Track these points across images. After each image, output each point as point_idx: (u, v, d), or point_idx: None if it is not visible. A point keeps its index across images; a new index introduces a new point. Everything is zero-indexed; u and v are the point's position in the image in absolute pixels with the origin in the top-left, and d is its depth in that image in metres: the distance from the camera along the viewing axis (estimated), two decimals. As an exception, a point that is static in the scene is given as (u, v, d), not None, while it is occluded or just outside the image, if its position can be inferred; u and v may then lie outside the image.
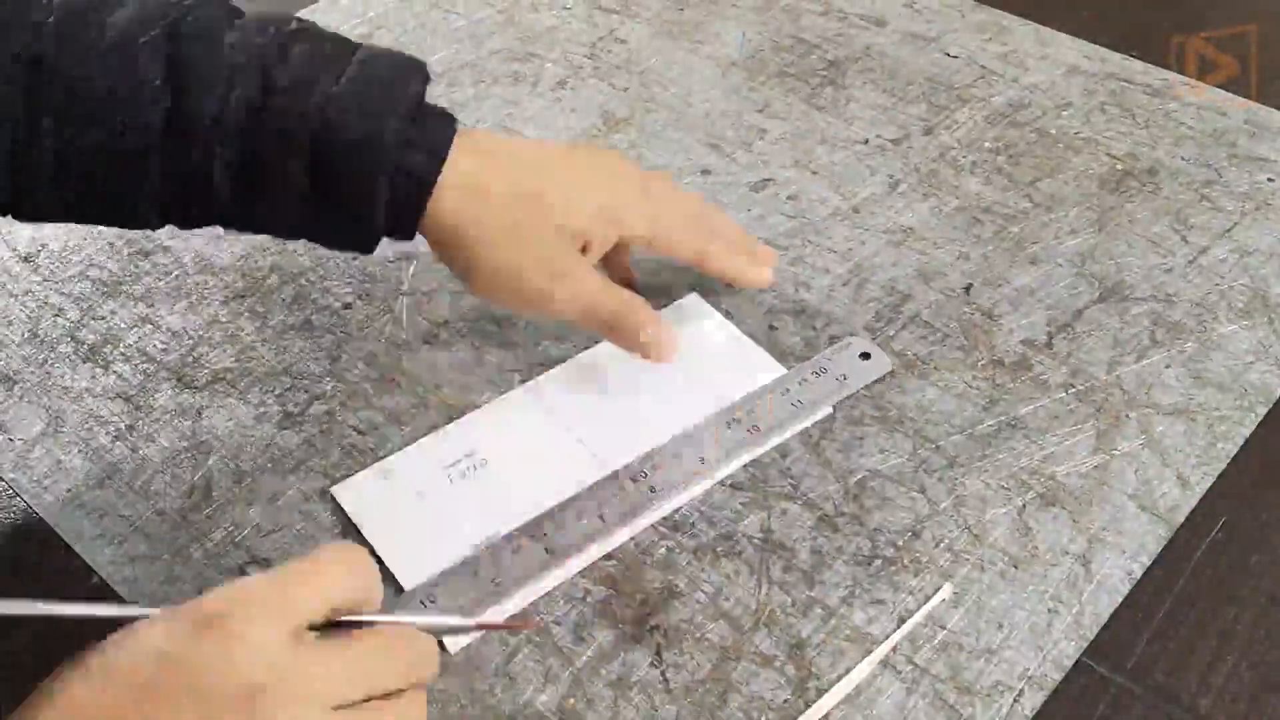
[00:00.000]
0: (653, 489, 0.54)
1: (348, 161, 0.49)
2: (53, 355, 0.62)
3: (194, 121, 0.48)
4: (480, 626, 0.48)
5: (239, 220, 0.52)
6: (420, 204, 0.51)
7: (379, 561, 0.50)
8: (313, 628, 0.38)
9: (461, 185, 0.51)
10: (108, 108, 0.48)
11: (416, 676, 0.40)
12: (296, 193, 0.50)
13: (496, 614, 0.50)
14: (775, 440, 0.56)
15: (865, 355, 0.60)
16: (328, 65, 0.49)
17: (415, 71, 0.51)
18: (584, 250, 0.54)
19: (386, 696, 0.38)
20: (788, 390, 0.58)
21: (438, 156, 0.50)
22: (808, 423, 0.57)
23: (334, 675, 0.37)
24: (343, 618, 0.39)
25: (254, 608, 0.37)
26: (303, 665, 0.36)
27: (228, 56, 0.49)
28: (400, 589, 0.51)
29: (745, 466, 0.56)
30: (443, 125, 0.51)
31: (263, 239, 0.67)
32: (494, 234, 0.52)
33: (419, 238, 0.53)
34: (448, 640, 0.49)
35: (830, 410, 0.58)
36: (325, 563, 0.39)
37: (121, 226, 0.52)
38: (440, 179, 0.51)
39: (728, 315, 0.63)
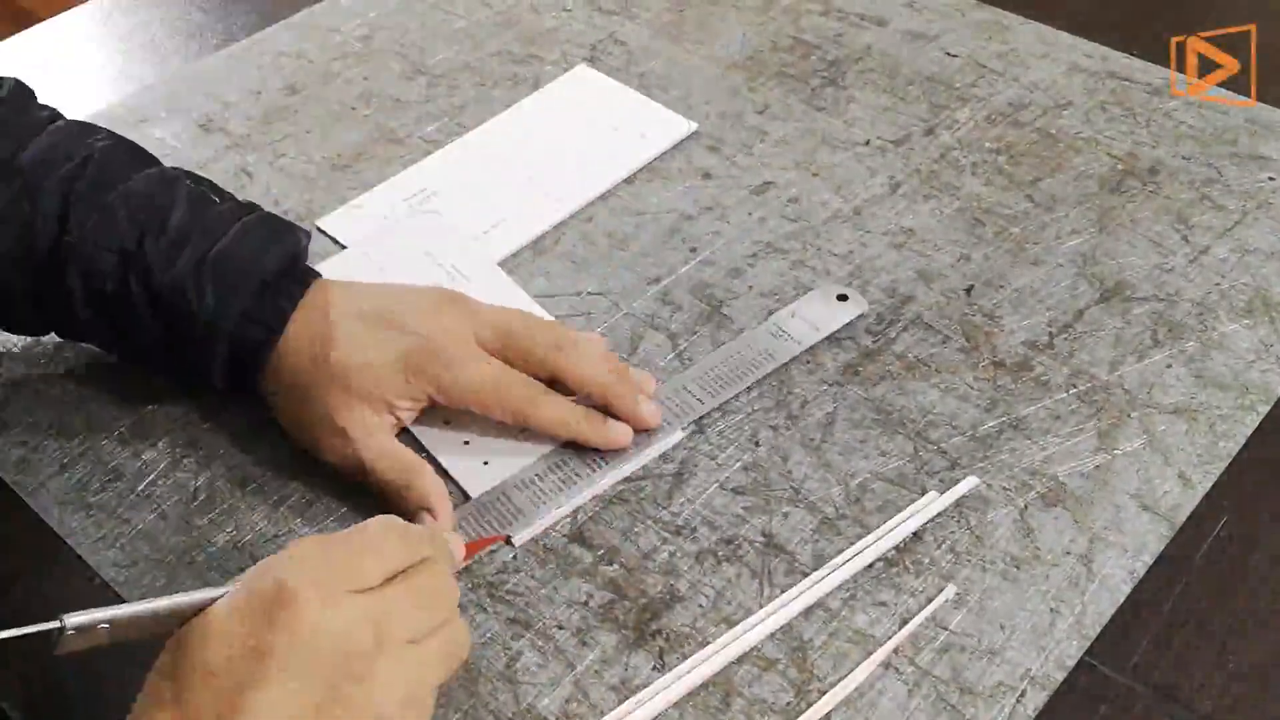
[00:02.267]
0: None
1: (193, 327, 0.54)
2: (56, 358, 0.62)
3: (70, 257, 0.54)
4: (470, 548, 0.52)
5: (95, 341, 0.58)
6: (254, 371, 0.55)
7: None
8: None
9: (285, 368, 0.55)
10: (5, 229, 0.55)
11: (451, 601, 0.45)
12: (148, 335, 0.55)
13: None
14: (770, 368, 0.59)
15: (843, 297, 0.63)
16: (202, 235, 0.55)
17: (283, 242, 0.56)
18: (391, 410, 0.55)
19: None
20: (775, 326, 0.62)
21: (273, 331, 0.54)
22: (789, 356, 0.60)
23: (399, 622, 0.41)
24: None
25: (321, 588, 0.40)
26: (371, 622, 0.41)
27: (115, 209, 0.55)
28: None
29: (746, 470, 0.56)
30: (286, 299, 0.55)
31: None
32: (287, 396, 0.55)
33: None
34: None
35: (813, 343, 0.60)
36: (378, 535, 0.44)
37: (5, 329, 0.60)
38: (273, 354, 0.54)
39: (728, 320, 0.63)
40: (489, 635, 0.50)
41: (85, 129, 0.59)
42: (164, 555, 0.54)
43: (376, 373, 0.53)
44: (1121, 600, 0.51)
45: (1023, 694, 0.48)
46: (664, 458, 0.56)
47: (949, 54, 0.80)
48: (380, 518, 0.46)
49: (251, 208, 0.58)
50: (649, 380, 0.58)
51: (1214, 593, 0.52)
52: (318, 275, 0.57)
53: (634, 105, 0.77)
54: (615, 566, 0.52)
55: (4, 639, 0.38)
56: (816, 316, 0.62)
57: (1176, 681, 0.49)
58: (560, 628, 0.50)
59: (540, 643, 0.50)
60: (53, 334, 0.60)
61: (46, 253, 0.55)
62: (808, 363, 0.60)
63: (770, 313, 0.63)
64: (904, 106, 0.76)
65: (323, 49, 0.83)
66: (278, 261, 0.55)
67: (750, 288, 0.64)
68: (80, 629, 0.39)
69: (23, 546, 0.55)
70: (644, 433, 0.56)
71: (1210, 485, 0.55)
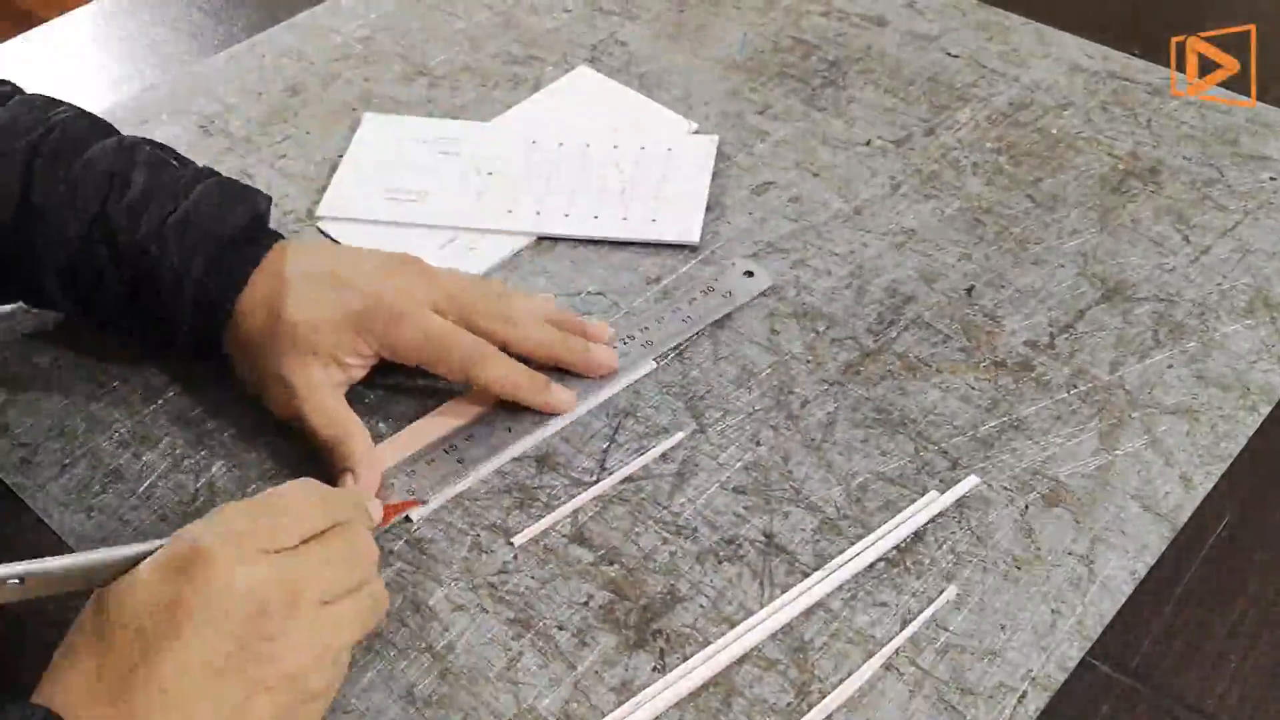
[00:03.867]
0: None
1: (159, 288, 0.55)
2: (56, 359, 0.62)
3: (35, 225, 0.56)
4: (388, 511, 0.53)
5: (66, 308, 0.59)
6: (217, 330, 0.56)
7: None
8: None
9: (242, 322, 0.56)
10: None
11: (370, 563, 0.47)
12: (117, 299, 0.56)
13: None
14: (666, 348, 0.61)
15: (749, 273, 0.64)
16: (162, 198, 0.56)
17: (245, 202, 0.57)
18: (340, 365, 0.56)
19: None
20: (679, 308, 0.63)
21: (234, 290, 0.55)
22: (692, 332, 0.62)
23: (314, 581, 0.43)
24: None
25: (236, 547, 0.42)
26: (288, 581, 0.42)
27: (77, 177, 0.56)
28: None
29: (747, 469, 0.56)
30: (249, 259, 0.56)
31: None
32: (244, 354, 0.57)
33: None
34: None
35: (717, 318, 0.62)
36: (297, 497, 0.46)
37: None
38: (235, 309, 0.56)
39: (728, 319, 0.63)
40: (489, 636, 0.50)
41: (48, 102, 0.60)
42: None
43: (325, 329, 0.55)
44: (1123, 601, 0.51)
45: (1024, 695, 0.47)
46: (665, 458, 0.56)
47: (950, 54, 0.80)
48: (299, 480, 0.47)
49: (211, 172, 0.59)
50: (603, 328, 0.61)
51: (1216, 593, 0.52)
52: (280, 237, 0.58)
53: (635, 106, 0.77)
54: (616, 567, 0.52)
55: None
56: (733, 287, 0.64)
57: (1179, 681, 0.49)
58: (560, 628, 0.50)
59: (540, 643, 0.50)
60: (46, 324, 0.61)
61: (10, 221, 0.56)
62: (808, 362, 0.60)
63: (770, 315, 0.63)
64: (905, 107, 0.76)
65: (323, 50, 0.83)
66: (239, 222, 0.56)
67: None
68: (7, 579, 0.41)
69: (23, 548, 0.55)
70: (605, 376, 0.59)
71: (1212, 485, 0.55)
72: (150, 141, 0.59)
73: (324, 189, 0.71)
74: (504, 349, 0.57)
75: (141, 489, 0.56)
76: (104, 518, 0.55)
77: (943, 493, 0.54)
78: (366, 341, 0.56)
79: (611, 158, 0.72)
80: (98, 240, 0.55)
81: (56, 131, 0.57)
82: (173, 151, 0.60)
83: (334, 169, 0.73)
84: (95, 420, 0.59)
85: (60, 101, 0.60)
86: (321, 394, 0.55)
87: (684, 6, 0.86)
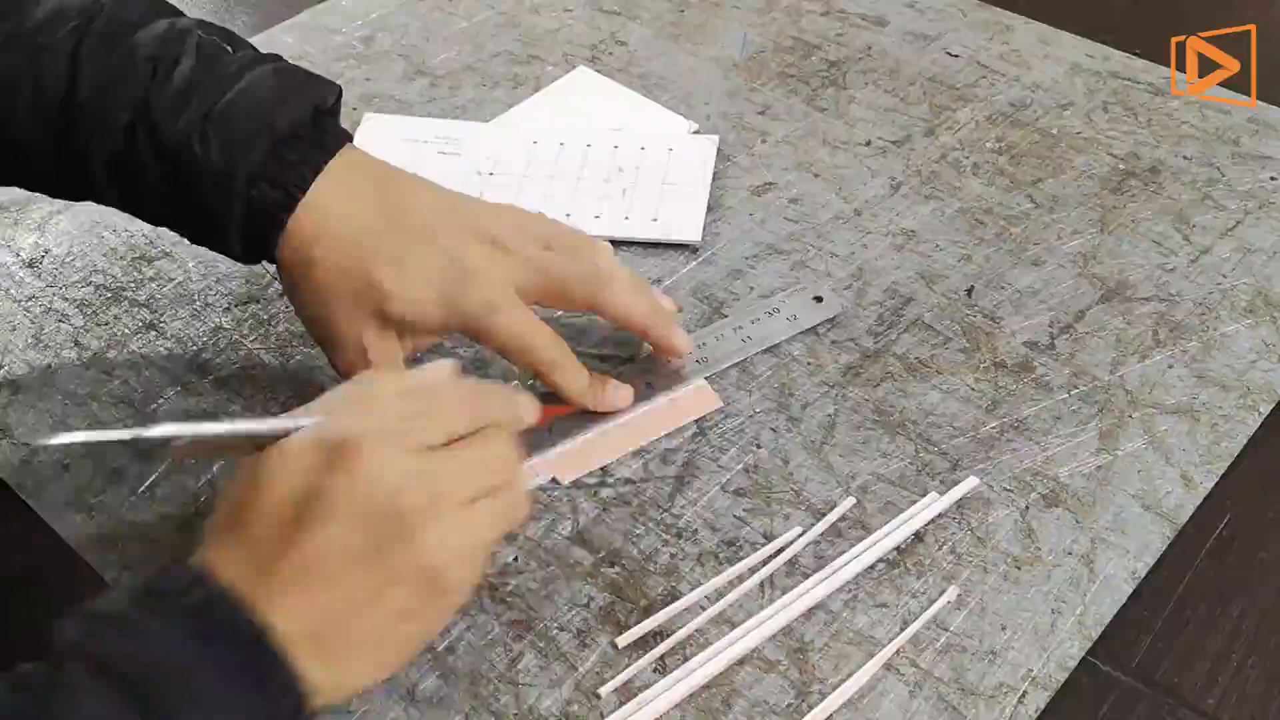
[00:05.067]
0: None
1: (203, 187, 0.51)
2: (56, 360, 0.62)
3: (80, 115, 0.52)
4: (547, 412, 0.53)
5: (117, 205, 0.55)
6: (269, 239, 0.52)
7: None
8: None
9: (309, 237, 0.52)
10: (11, 90, 0.52)
11: (511, 467, 0.47)
12: (162, 197, 0.53)
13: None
14: (722, 366, 0.60)
15: (818, 299, 0.63)
16: (210, 85, 0.51)
17: (305, 93, 0.53)
18: (414, 341, 0.55)
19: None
20: (739, 327, 0.61)
21: (289, 197, 0.51)
22: (751, 353, 0.61)
23: (455, 481, 0.43)
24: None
25: (383, 442, 0.42)
26: (427, 479, 0.42)
27: (122, 64, 0.52)
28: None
29: (747, 471, 0.56)
30: (305, 161, 0.52)
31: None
32: (315, 300, 0.53)
33: None
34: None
35: (778, 342, 0.61)
36: (448, 396, 0.46)
37: (16, 185, 0.57)
38: (294, 220, 0.52)
39: (723, 316, 0.63)
40: (490, 637, 0.50)
41: None
42: (165, 556, 0.53)
43: (418, 307, 0.52)
44: (1123, 601, 0.51)
45: (1024, 695, 0.47)
46: (665, 460, 0.56)
47: (950, 54, 0.80)
48: (452, 373, 0.48)
49: (273, 58, 0.54)
50: (672, 305, 0.60)
51: (1217, 592, 0.52)
52: (349, 137, 0.54)
53: (635, 106, 0.77)
54: (616, 568, 0.52)
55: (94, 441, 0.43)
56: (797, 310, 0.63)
57: (1180, 680, 0.49)
58: (561, 629, 0.50)
59: (541, 644, 0.50)
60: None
61: (57, 112, 0.52)
62: (809, 364, 0.60)
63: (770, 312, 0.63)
64: (905, 107, 0.76)
65: (324, 50, 0.83)
66: (296, 115, 0.52)
67: (751, 289, 0.64)
68: (164, 439, 0.44)
69: (24, 548, 0.55)
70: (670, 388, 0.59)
71: (1212, 485, 0.55)
72: (207, 24, 0.54)
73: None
74: (594, 310, 0.56)
75: (141, 489, 0.56)
76: (104, 518, 0.55)
77: (943, 494, 0.54)
78: (456, 323, 0.53)
79: (612, 158, 0.72)
80: (141, 133, 0.51)
81: (103, 15, 0.53)
82: (231, 35, 0.55)
83: (334, 169, 0.73)
84: (95, 420, 0.59)
85: None
86: (392, 367, 0.53)
87: (684, 6, 0.86)
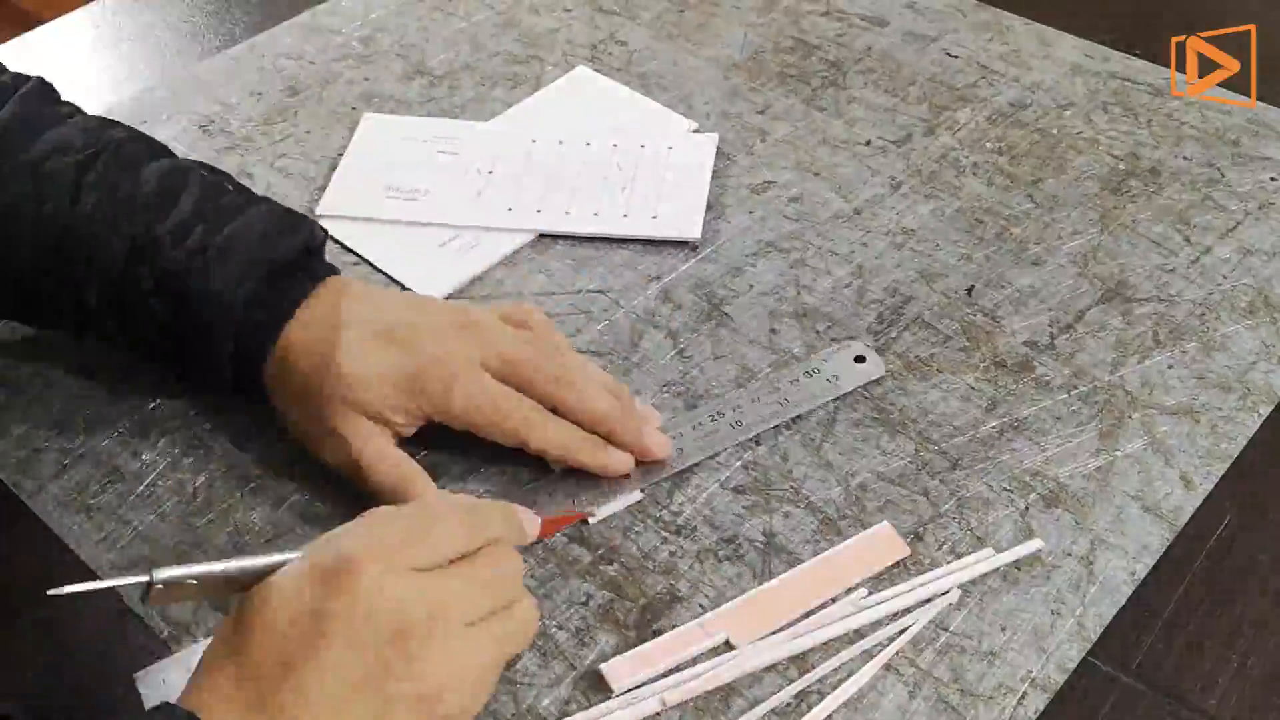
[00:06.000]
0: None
1: (198, 315, 0.54)
2: (56, 360, 0.62)
3: (80, 241, 0.54)
4: (548, 525, 0.52)
5: (114, 335, 0.57)
6: (258, 362, 0.54)
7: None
8: None
9: (287, 359, 0.54)
10: (12, 216, 0.54)
11: (516, 584, 0.46)
12: (159, 326, 0.55)
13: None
14: (754, 432, 0.57)
15: (860, 359, 0.60)
16: (212, 219, 0.54)
17: (297, 232, 0.56)
18: (388, 423, 0.54)
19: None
20: (777, 388, 0.58)
21: (278, 321, 0.54)
22: (788, 417, 0.57)
23: (458, 602, 0.43)
24: None
25: (383, 563, 0.42)
26: (431, 601, 0.42)
27: (126, 194, 0.54)
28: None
29: (747, 469, 0.56)
30: (298, 288, 0.54)
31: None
32: (287, 392, 0.55)
33: None
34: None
35: (815, 407, 0.58)
36: (448, 515, 0.45)
37: (15, 319, 0.60)
38: (277, 345, 0.54)
39: (728, 318, 0.63)
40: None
41: (104, 123, 0.58)
42: (164, 556, 0.53)
43: (377, 389, 0.53)
44: (1123, 602, 0.51)
45: (1023, 696, 0.47)
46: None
47: (950, 55, 0.80)
48: (451, 495, 0.48)
49: (266, 200, 0.57)
50: (653, 414, 0.57)
51: (1217, 593, 0.51)
52: (335, 271, 0.57)
53: (635, 105, 0.77)
54: (615, 566, 0.52)
55: (90, 590, 0.41)
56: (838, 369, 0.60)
57: (1180, 681, 0.49)
58: (560, 628, 0.50)
59: (540, 643, 0.50)
60: (60, 332, 0.59)
61: (54, 242, 0.54)
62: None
63: (771, 314, 0.63)
64: (905, 107, 0.76)
65: (323, 50, 0.83)
66: (290, 250, 0.55)
67: (751, 287, 0.64)
68: (167, 583, 0.42)
69: (23, 548, 0.55)
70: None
71: (1212, 486, 0.55)
72: (206, 165, 0.58)
73: (324, 188, 0.71)
74: (559, 413, 0.54)
75: (141, 488, 0.56)
76: (103, 517, 0.55)
77: (942, 493, 0.54)
78: (419, 404, 0.53)
79: (611, 155, 0.72)
80: (141, 262, 0.54)
81: (109, 151, 0.56)
82: (228, 177, 0.58)
83: (334, 168, 0.73)
84: (95, 420, 0.59)
85: (117, 123, 0.59)
86: (377, 443, 0.54)
87: (684, 6, 0.85)
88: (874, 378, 0.59)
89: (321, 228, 0.57)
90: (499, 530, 0.46)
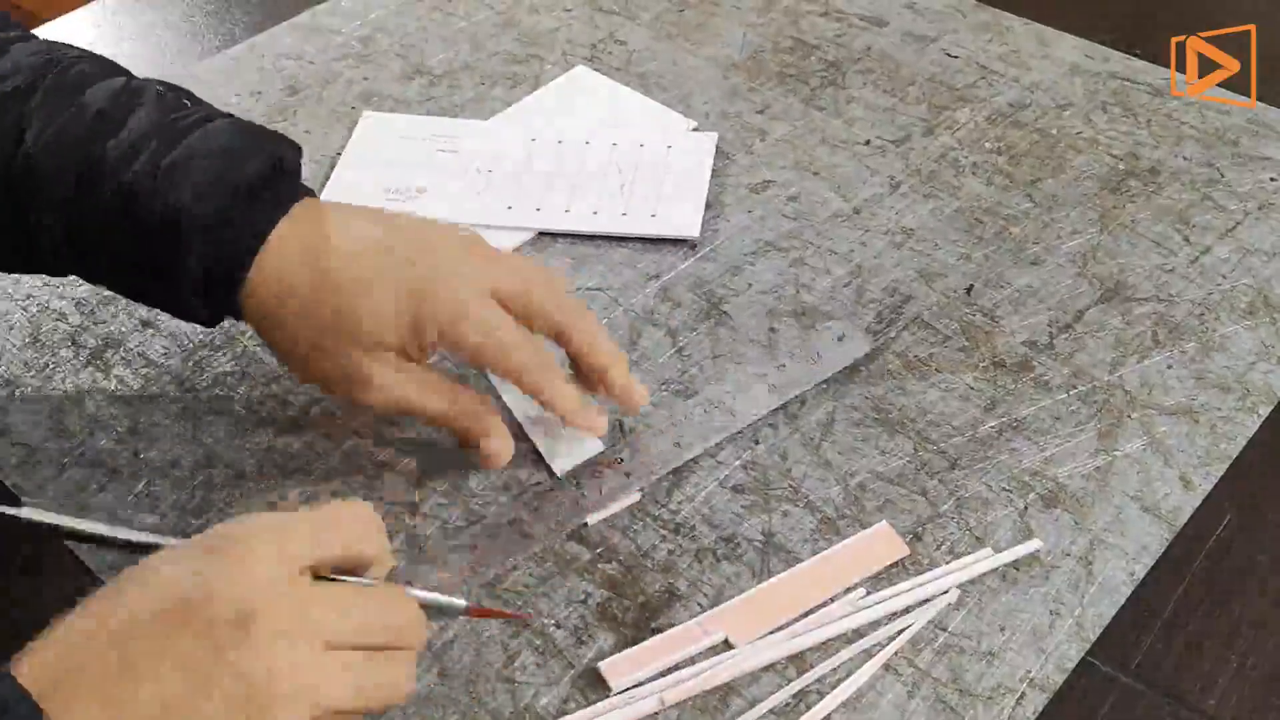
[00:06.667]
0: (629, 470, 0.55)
1: (155, 243, 0.49)
2: (54, 359, 0.62)
3: (30, 171, 0.50)
4: (475, 613, 0.46)
5: (75, 269, 0.52)
6: (230, 294, 0.50)
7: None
8: (317, 577, 0.40)
9: (271, 281, 0.49)
10: None
11: (405, 639, 0.41)
12: (115, 255, 0.50)
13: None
14: (747, 422, 0.57)
15: (841, 338, 0.61)
16: (162, 138, 0.50)
17: (264, 149, 0.51)
18: (407, 355, 0.52)
19: (375, 650, 0.40)
20: (764, 375, 0.59)
21: (248, 249, 0.49)
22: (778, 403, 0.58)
23: (326, 614, 0.39)
24: (343, 577, 0.41)
25: (259, 541, 0.39)
26: (298, 599, 0.38)
27: (73, 117, 0.50)
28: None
29: (745, 468, 0.55)
30: (264, 213, 0.50)
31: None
32: (292, 345, 0.51)
33: None
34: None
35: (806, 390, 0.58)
36: (336, 516, 0.42)
37: None
38: (256, 267, 0.49)
39: (727, 317, 0.63)
40: (487, 635, 0.50)
41: (54, 46, 0.54)
42: (162, 555, 0.53)
43: (382, 322, 0.50)
44: (1122, 602, 0.51)
45: (1022, 696, 0.47)
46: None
47: (949, 55, 0.80)
48: (346, 502, 0.43)
49: (227, 115, 0.52)
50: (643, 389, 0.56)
51: (1217, 593, 0.51)
52: (311, 192, 0.52)
53: (634, 104, 0.77)
54: (614, 564, 0.52)
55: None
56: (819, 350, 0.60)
57: (1180, 681, 0.49)
58: (558, 626, 0.50)
59: (538, 642, 0.50)
60: (37, 279, 0.56)
61: (4, 176, 0.50)
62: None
63: (770, 313, 0.63)
64: (904, 107, 0.76)
65: (323, 50, 0.83)
66: (260, 166, 0.50)
67: (750, 286, 0.64)
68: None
69: (22, 548, 0.55)
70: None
71: (1211, 486, 0.55)
72: (165, 83, 0.53)
73: (323, 187, 0.71)
74: (559, 339, 0.53)
75: (139, 488, 0.56)
76: (102, 517, 0.55)
77: (941, 495, 0.54)
78: (426, 334, 0.50)
79: (611, 154, 0.72)
80: (92, 189, 0.49)
81: (54, 73, 0.51)
82: (189, 93, 0.53)
83: (333, 167, 0.73)
84: (94, 420, 0.59)
85: (71, 46, 0.54)
86: (401, 378, 0.51)
87: (684, 6, 0.85)
88: (859, 355, 0.59)
89: (296, 145, 0.53)
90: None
